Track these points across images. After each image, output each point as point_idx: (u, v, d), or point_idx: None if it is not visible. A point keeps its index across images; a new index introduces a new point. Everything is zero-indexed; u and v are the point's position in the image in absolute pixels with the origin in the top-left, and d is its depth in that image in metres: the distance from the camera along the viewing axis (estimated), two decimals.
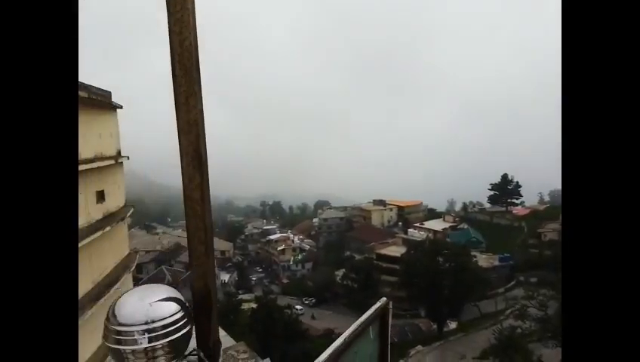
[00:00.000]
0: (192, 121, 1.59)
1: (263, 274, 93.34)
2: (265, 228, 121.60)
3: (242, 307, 49.30)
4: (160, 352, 1.34)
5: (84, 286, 10.83)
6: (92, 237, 10.21)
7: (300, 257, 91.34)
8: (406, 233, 76.85)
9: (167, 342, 1.34)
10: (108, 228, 10.98)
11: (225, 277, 76.35)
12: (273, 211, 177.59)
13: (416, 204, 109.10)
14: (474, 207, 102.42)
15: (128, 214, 13.04)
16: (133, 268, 14.23)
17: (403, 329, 49.58)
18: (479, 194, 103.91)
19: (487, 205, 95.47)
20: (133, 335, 1.37)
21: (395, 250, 65.43)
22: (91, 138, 11.02)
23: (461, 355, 35.73)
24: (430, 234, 71.59)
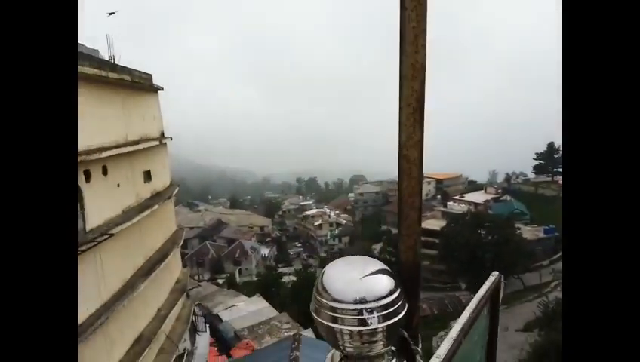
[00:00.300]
0: (418, 65, 1.31)
1: (301, 249, 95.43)
2: (301, 203, 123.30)
3: (282, 280, 50.89)
4: (379, 336, 1.18)
5: (136, 261, 11.59)
6: (142, 215, 10.83)
7: (336, 232, 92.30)
8: (445, 206, 75.29)
9: (387, 325, 1.19)
10: (156, 207, 11.61)
11: (264, 251, 78.76)
12: (309, 187, 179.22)
13: (456, 176, 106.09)
14: (517, 177, 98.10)
15: (174, 193, 13.68)
16: (181, 243, 15.06)
17: (442, 301, 49.46)
18: (523, 164, 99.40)
19: (532, 175, 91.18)
20: (351, 314, 1.20)
21: (434, 223, 64.52)
22: (136, 120, 11.51)
23: (504, 327, 35.23)
24: (471, 207, 69.80)
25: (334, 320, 1.23)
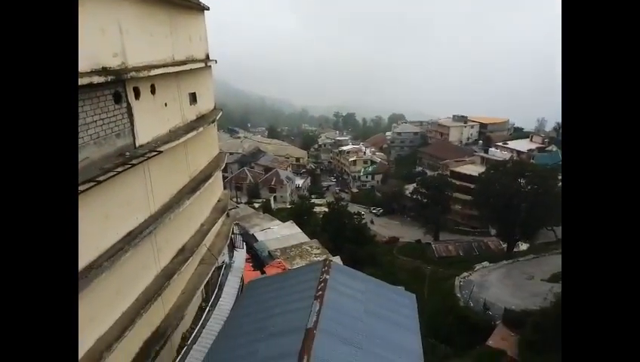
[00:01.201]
0: None
1: (333, 183, 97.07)
2: (337, 138, 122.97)
3: (314, 210, 52.69)
4: None
5: (182, 179, 12.26)
6: (188, 136, 11.21)
7: (370, 169, 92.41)
8: (486, 152, 72.71)
9: None
10: (201, 129, 11.94)
11: (299, 181, 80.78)
12: (346, 122, 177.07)
13: (502, 121, 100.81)
14: None
15: (217, 117, 13.94)
16: (223, 166, 15.67)
17: (470, 245, 49.94)
18: None
19: None
20: None
21: (472, 169, 63.00)
22: (183, 40, 11.44)
23: (529, 276, 35.51)
24: (514, 154, 67.01)
25: None
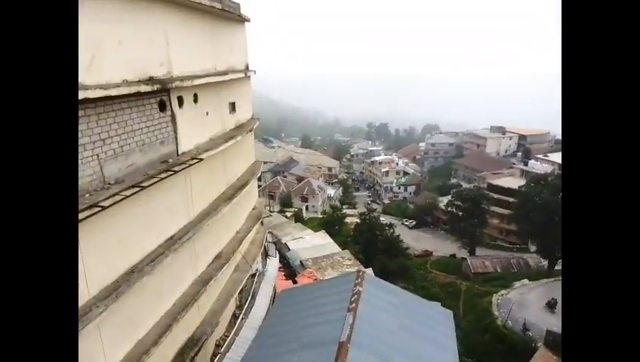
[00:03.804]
0: None
1: (365, 193, 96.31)
2: (370, 149, 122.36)
3: (346, 220, 52.36)
4: None
5: (220, 187, 12.49)
6: (227, 144, 11.43)
7: (403, 180, 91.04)
8: (526, 164, 69.89)
9: None
10: (239, 138, 12.15)
11: (331, 191, 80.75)
12: (379, 133, 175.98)
13: (542, 133, 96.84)
14: None
15: (255, 126, 14.18)
16: (258, 175, 15.87)
17: (508, 261, 47.83)
18: None
19: None
20: None
21: (511, 182, 60.71)
22: (224, 51, 11.75)
23: None
24: (555, 167, 64.03)
25: None
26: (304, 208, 65.70)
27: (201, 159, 9.44)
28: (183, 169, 8.82)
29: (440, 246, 59.70)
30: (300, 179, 77.34)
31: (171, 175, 8.34)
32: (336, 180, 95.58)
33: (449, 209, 56.01)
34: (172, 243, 8.88)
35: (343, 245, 32.91)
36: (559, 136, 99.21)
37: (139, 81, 7.69)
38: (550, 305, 31.68)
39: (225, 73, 11.51)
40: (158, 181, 7.81)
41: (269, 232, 23.27)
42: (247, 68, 13.54)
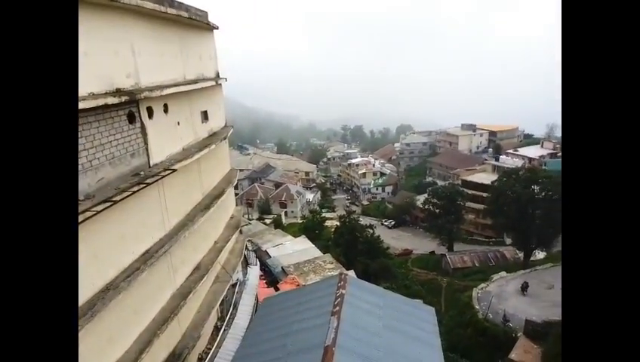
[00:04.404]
0: None
1: (344, 196, 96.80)
2: (346, 151, 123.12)
3: (326, 224, 52.38)
4: None
5: (195, 197, 12.28)
6: (201, 153, 11.25)
7: (380, 181, 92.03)
8: (497, 160, 71.96)
9: None
10: (213, 146, 11.99)
11: (309, 196, 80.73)
12: (354, 135, 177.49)
13: (511, 128, 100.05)
14: None
15: (229, 134, 14.02)
16: (235, 183, 15.69)
17: (485, 255, 48.97)
18: None
19: None
20: None
21: (484, 177, 62.36)
22: (193, 59, 11.59)
23: (549, 285, 34.54)
24: (525, 161, 66.22)
25: None
26: (283, 214, 65.37)
27: (174, 170, 9.26)
28: (156, 181, 8.62)
29: (419, 244, 60.52)
30: (277, 185, 76.99)
31: (144, 187, 8.14)
32: (314, 184, 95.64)
33: (426, 207, 56.99)
34: (148, 258, 8.65)
35: (324, 249, 32.90)
36: (527, 131, 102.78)
37: (105, 93, 7.49)
38: (522, 288, 33.43)
39: (195, 82, 11.35)
40: (130, 195, 7.61)
41: (249, 240, 23.02)
42: (217, 75, 13.40)
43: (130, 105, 8.38)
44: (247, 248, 17.76)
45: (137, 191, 7.85)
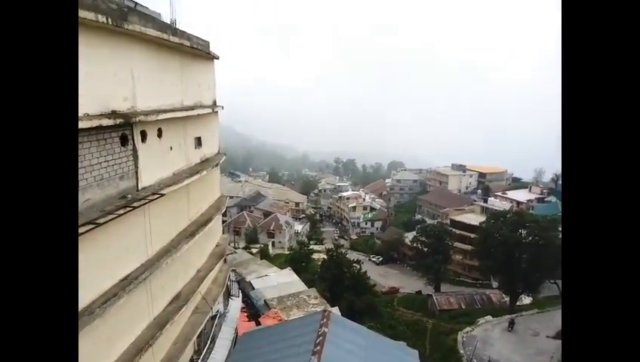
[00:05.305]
0: None
1: (333, 229, 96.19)
2: (338, 184, 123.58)
3: (313, 256, 51.68)
4: None
5: (182, 223, 12.07)
6: (191, 179, 11.18)
7: (370, 216, 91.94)
8: (485, 201, 72.73)
9: None
10: (204, 172, 11.94)
11: (298, 227, 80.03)
12: (346, 168, 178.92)
13: (500, 171, 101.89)
14: None
15: (221, 161, 14.02)
16: (223, 210, 15.52)
17: (472, 297, 48.43)
18: None
19: None
20: None
21: (472, 218, 62.66)
22: (192, 86, 11.75)
23: (534, 332, 34.09)
24: (513, 205, 67.01)
25: None
26: (270, 244, 64.45)
27: (162, 194, 9.16)
28: (142, 205, 8.49)
29: (406, 282, 59.78)
30: (266, 214, 76.33)
31: (129, 211, 8.00)
32: (303, 215, 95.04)
33: (414, 245, 56.75)
34: (127, 284, 8.37)
35: (310, 282, 32.25)
36: (516, 175, 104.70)
37: (101, 114, 7.49)
38: (510, 324, 34.63)
39: (192, 108, 11.45)
40: (115, 217, 7.46)
41: (233, 270, 22.52)
42: (214, 103, 13.56)
43: (124, 128, 8.37)
44: (230, 278, 17.34)
45: (122, 214, 7.70)
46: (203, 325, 12.75)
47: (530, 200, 72.18)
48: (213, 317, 14.04)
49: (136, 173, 8.98)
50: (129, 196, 8.46)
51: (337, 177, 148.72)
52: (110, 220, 7.31)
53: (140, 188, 9.09)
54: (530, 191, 79.02)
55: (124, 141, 8.40)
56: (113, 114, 7.82)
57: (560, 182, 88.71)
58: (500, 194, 77.52)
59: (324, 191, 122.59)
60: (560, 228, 46.22)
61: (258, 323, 19.04)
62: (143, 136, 9.18)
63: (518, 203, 70.32)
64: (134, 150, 8.81)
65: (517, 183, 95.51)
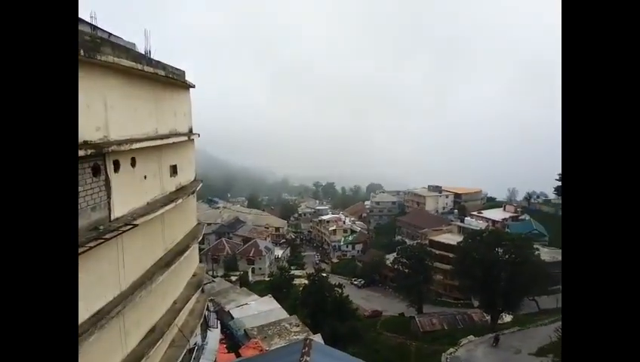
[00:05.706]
0: None
1: (314, 253, 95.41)
2: (317, 208, 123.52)
3: (294, 282, 50.89)
4: None
5: (157, 253, 11.77)
6: (165, 208, 11.01)
7: (350, 238, 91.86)
8: (462, 221, 73.98)
9: None
10: (180, 201, 11.78)
11: (278, 252, 78.99)
12: (326, 192, 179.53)
13: (475, 191, 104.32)
14: (538, 197, 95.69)
15: (198, 188, 13.88)
16: (200, 238, 15.23)
17: (454, 317, 48.46)
18: (544, 184, 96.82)
19: (553, 196, 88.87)
20: None
21: (450, 238, 63.50)
22: (167, 115, 11.73)
23: (516, 349, 34.26)
24: (489, 224, 68.40)
25: None
26: (250, 271, 63.18)
27: (136, 225, 8.96)
28: (115, 236, 8.28)
29: (389, 305, 59.41)
30: (246, 240, 75.15)
31: (101, 243, 7.79)
32: (284, 240, 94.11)
33: (395, 266, 56.79)
34: (98, 319, 8.05)
35: (292, 309, 31.57)
36: (490, 194, 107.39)
37: None
38: (495, 340, 35.75)
39: (167, 136, 11.40)
40: (86, 250, 7.24)
41: (211, 300, 21.91)
42: (190, 131, 13.55)
43: (96, 158, 8.25)
44: (208, 309, 16.85)
45: (94, 246, 7.49)
46: (180, 359, 12.26)
47: (505, 219, 73.89)
48: (190, 351, 13.53)
49: (109, 203, 8.80)
50: (101, 227, 8.25)
51: (317, 201, 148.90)
52: (81, 253, 7.09)
53: (112, 218, 8.88)
54: (504, 209, 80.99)
55: (96, 171, 8.26)
56: (85, 144, 7.72)
57: (532, 200, 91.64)
58: (475, 213, 79.13)
59: (304, 215, 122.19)
60: (534, 246, 47.46)
61: (238, 355, 18.42)
62: (116, 165, 9.05)
63: (494, 222, 71.83)
64: (107, 180, 8.66)
65: (491, 202, 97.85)
